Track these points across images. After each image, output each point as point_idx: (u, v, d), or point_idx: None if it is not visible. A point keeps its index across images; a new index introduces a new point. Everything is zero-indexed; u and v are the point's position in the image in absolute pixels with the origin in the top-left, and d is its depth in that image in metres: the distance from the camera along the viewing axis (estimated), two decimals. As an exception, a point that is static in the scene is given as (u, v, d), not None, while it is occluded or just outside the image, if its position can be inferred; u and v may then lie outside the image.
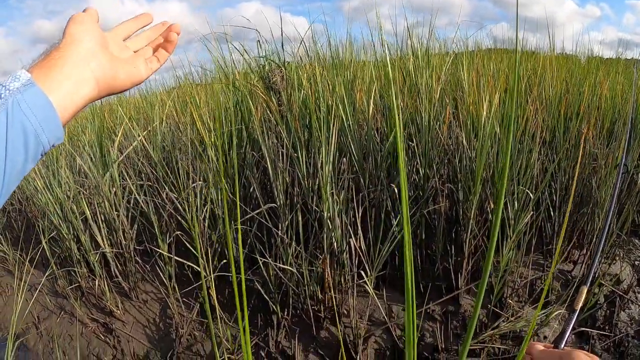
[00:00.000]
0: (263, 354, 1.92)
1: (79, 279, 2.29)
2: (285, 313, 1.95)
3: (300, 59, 2.60)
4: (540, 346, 0.58)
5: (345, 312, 1.93)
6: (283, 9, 2.36)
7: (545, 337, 1.84)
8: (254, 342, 1.92)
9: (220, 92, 2.47)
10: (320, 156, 1.78)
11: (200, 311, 2.06)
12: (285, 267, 1.82)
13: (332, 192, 1.79)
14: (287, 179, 1.90)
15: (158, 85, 3.64)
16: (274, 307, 1.92)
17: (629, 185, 2.23)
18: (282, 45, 2.40)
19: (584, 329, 1.90)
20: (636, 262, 2.25)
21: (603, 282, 2.07)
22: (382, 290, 1.99)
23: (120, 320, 2.16)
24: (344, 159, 1.93)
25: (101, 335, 2.13)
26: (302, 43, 2.53)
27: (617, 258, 2.21)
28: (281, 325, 1.94)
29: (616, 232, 2.13)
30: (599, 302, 2.01)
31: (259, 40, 2.46)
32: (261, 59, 2.41)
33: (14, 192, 3.79)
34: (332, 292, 1.85)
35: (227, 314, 2.00)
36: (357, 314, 1.89)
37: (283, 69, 2.38)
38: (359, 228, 1.83)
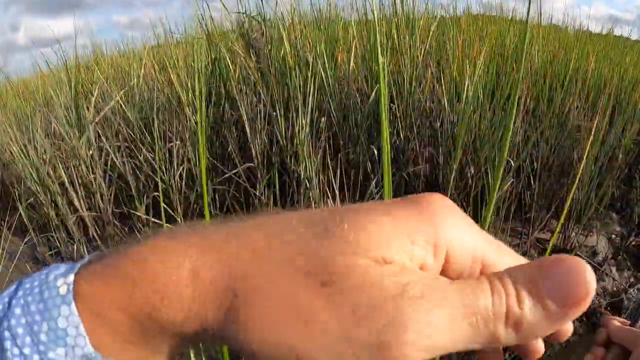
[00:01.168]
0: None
1: (59, 245, 2.33)
2: None
3: (282, 16, 2.60)
4: (616, 322, 0.56)
5: None
6: None
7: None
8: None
9: (198, 51, 2.48)
10: (299, 115, 1.80)
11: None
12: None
13: (310, 152, 1.83)
14: (265, 138, 1.93)
15: (137, 44, 3.61)
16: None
17: (610, 159, 2.26)
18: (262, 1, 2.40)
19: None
20: (612, 236, 2.31)
21: (580, 254, 2.13)
22: None
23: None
24: (323, 117, 1.96)
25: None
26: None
27: (594, 230, 2.26)
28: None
29: (595, 205, 2.18)
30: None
31: None
32: (242, 15, 2.41)
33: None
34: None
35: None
36: None
37: (263, 25, 2.38)
38: (336, 188, 1.87)
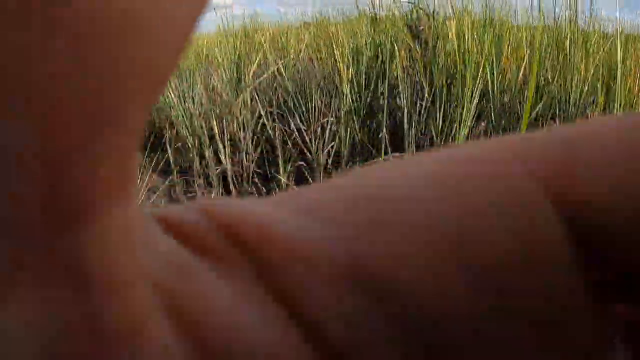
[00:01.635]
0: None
1: (197, 190, 2.51)
2: None
3: (452, 10, 2.56)
4: None
5: None
6: None
7: None
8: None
9: (359, 32, 2.52)
10: (458, 115, 1.77)
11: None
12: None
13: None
14: (420, 131, 1.93)
15: (293, 20, 3.76)
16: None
17: None
18: None
19: None
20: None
21: None
22: None
23: (223, 235, 2.35)
24: (483, 122, 1.91)
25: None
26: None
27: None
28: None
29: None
30: None
31: None
32: (410, 4, 2.41)
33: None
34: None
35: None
36: None
37: (432, 18, 2.37)
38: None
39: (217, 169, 2.34)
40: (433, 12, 2.35)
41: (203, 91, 2.43)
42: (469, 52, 2.02)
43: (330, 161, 2.03)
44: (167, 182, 2.59)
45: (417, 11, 2.37)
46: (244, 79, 2.32)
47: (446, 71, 2.05)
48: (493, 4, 2.59)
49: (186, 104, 2.44)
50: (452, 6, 2.42)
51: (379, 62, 2.27)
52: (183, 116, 2.45)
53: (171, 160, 2.49)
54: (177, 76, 2.67)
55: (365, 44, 2.38)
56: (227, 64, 2.46)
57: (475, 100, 1.80)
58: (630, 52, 2.61)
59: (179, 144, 2.53)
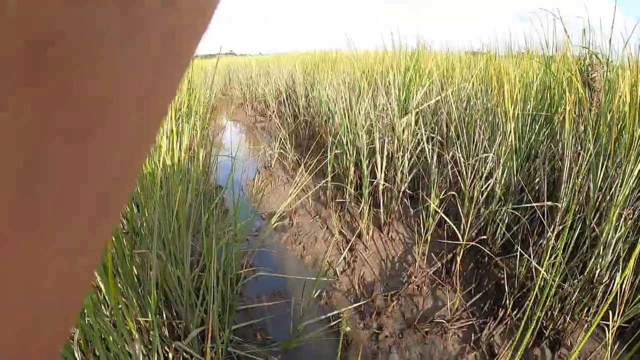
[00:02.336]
0: (473, 336, 2.04)
1: (346, 197, 2.74)
2: (515, 312, 2.00)
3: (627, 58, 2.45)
4: None
5: (569, 344, 1.89)
6: None
7: None
8: (469, 323, 2.05)
9: (529, 71, 2.53)
10: (618, 175, 1.74)
11: (439, 272, 2.28)
12: (540, 268, 1.87)
13: (621, 216, 1.75)
14: (577, 184, 1.91)
15: (461, 48, 3.85)
16: (507, 300, 2.01)
17: None
18: (610, 41, 2.31)
19: None
20: None
21: None
22: (617, 342, 1.88)
23: (364, 244, 2.52)
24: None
25: (341, 248, 2.55)
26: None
27: None
28: (504, 321, 2.00)
29: None
30: None
31: (584, 29, 2.41)
32: (584, 49, 2.37)
33: (308, 105, 4.61)
34: (569, 317, 1.84)
35: (462, 286, 2.17)
36: (581, 355, 1.85)
37: (605, 67, 2.30)
38: (632, 265, 1.74)
39: (370, 182, 2.53)
40: (608, 60, 2.29)
41: (370, 106, 2.64)
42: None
43: (482, 198, 2.11)
44: (319, 185, 2.86)
45: (590, 57, 2.33)
46: (410, 101, 2.47)
47: (614, 125, 2.00)
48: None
49: (352, 115, 2.67)
50: (628, 55, 2.33)
51: (545, 104, 2.28)
52: (347, 126, 2.69)
53: (328, 166, 2.75)
54: (348, 87, 2.92)
55: (534, 84, 2.39)
56: (397, 85, 2.64)
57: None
58: None
59: (339, 151, 2.77)
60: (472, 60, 3.35)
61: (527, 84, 2.38)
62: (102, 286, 1.22)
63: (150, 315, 1.28)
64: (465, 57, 3.50)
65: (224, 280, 1.86)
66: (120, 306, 1.22)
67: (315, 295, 2.15)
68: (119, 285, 1.33)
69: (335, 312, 2.04)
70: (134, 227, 1.50)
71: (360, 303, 2.10)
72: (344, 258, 2.48)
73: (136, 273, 1.42)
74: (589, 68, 2.36)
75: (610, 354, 1.73)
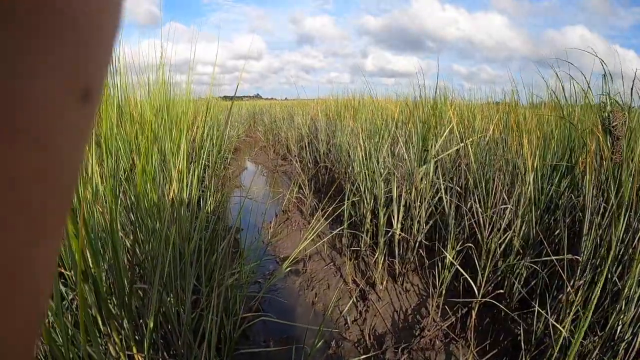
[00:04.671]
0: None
1: (361, 245, 2.73)
2: None
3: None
4: None
5: None
6: (611, 39, 2.24)
7: None
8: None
9: (549, 120, 2.53)
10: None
11: (453, 325, 2.22)
12: (558, 326, 1.80)
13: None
14: (599, 236, 1.87)
15: (481, 96, 3.89)
16: (524, 358, 1.94)
17: None
18: (632, 88, 2.30)
19: None
20: None
21: None
22: None
23: (377, 294, 2.48)
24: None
25: (355, 298, 2.51)
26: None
27: None
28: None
29: None
30: None
31: (604, 75, 2.41)
32: (604, 97, 2.36)
33: (329, 151, 4.67)
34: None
35: (476, 341, 2.10)
36: None
37: (626, 114, 2.28)
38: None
39: (386, 231, 2.52)
40: (630, 107, 2.27)
41: (388, 154, 2.66)
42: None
43: (500, 250, 2.07)
44: (335, 231, 2.86)
45: (611, 104, 2.32)
46: (429, 150, 2.49)
47: (637, 174, 1.97)
48: None
49: (371, 162, 2.69)
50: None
51: (566, 155, 2.27)
52: (365, 173, 2.71)
53: (345, 213, 2.75)
54: (367, 134, 2.96)
55: (554, 134, 2.39)
56: (415, 132, 2.66)
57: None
58: None
59: (357, 198, 2.78)
60: (493, 109, 3.37)
61: (546, 134, 2.38)
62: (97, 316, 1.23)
63: (145, 351, 1.28)
64: (486, 106, 3.53)
65: (228, 321, 1.85)
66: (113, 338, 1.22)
67: (323, 343, 2.12)
68: (115, 314, 1.34)
69: None
70: (136, 261, 1.51)
71: (370, 355, 2.05)
72: (356, 307, 2.44)
73: (136, 306, 1.42)
74: (610, 115, 2.35)
75: None
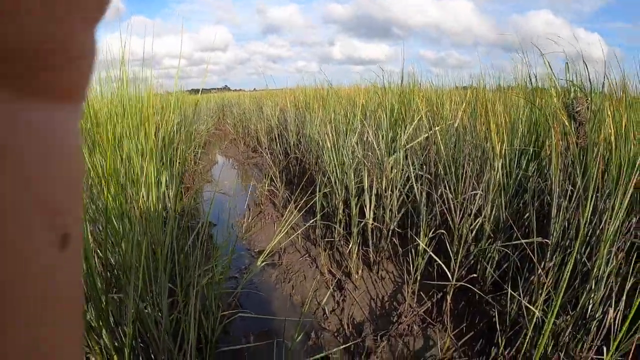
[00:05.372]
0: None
1: (334, 236, 2.71)
2: (507, 350, 1.94)
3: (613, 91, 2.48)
4: None
5: None
6: (575, 23, 2.27)
7: None
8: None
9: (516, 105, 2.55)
10: (607, 208, 1.73)
11: (429, 310, 2.23)
12: (530, 307, 1.83)
13: (611, 251, 1.72)
14: (567, 219, 1.89)
15: (449, 82, 3.90)
16: (499, 338, 1.95)
17: None
18: (605, 73, 2.33)
19: None
20: None
21: None
22: None
23: (354, 283, 2.48)
24: (635, 218, 1.83)
25: (331, 288, 2.50)
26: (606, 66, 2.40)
27: None
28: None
29: None
30: None
31: (567, 63, 2.44)
32: (567, 83, 2.39)
33: (299, 142, 4.63)
34: (564, 354, 1.79)
35: (453, 325, 2.12)
36: None
37: (589, 99, 2.32)
38: (624, 299, 1.71)
39: (359, 221, 2.51)
40: (591, 91, 2.30)
41: (358, 143, 2.64)
42: (625, 139, 1.97)
43: (472, 235, 2.08)
44: (309, 223, 2.83)
45: (574, 90, 2.35)
46: (398, 139, 2.48)
47: (601, 158, 2.00)
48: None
49: (340, 154, 2.66)
50: (609, 87, 2.35)
51: (532, 139, 2.29)
52: (335, 164, 2.68)
53: (317, 204, 2.73)
54: (332, 126, 2.93)
55: (521, 120, 2.40)
56: (384, 121, 2.64)
57: (629, 193, 1.74)
58: None
59: (328, 189, 2.76)
60: (461, 95, 3.38)
61: (514, 119, 2.39)
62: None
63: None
64: (455, 92, 3.54)
65: (207, 321, 1.81)
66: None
67: (304, 335, 2.10)
68: (94, 326, 1.29)
69: (324, 353, 1.98)
70: (109, 268, 1.46)
71: (350, 344, 2.04)
72: (333, 297, 2.43)
73: (112, 314, 1.37)
74: (573, 101, 2.38)
75: None
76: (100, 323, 1.28)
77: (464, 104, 2.73)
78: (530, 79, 2.59)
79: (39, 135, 0.16)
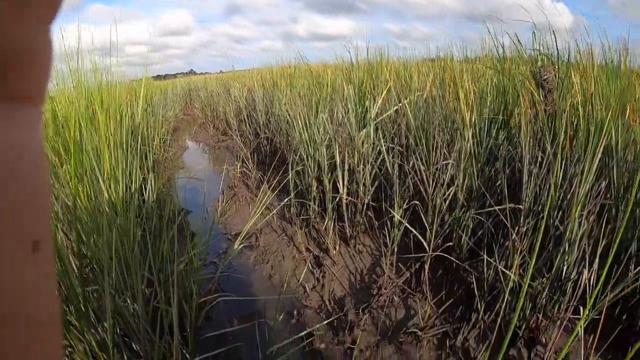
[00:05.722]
0: (448, 343, 2.00)
1: (310, 214, 2.69)
2: (487, 315, 1.99)
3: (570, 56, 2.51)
4: None
5: (544, 341, 1.88)
6: None
7: None
8: (444, 329, 2.01)
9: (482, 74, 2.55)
10: (577, 172, 1.75)
11: (409, 281, 2.25)
12: (507, 272, 1.86)
13: (582, 214, 1.75)
14: (538, 185, 1.92)
15: (415, 55, 3.88)
16: (478, 304, 1.99)
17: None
18: (555, 39, 2.35)
19: None
20: None
21: None
22: (590, 335, 1.88)
23: (332, 259, 2.47)
24: (604, 181, 1.86)
25: (310, 265, 2.49)
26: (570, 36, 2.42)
27: None
28: (477, 325, 1.99)
29: None
30: None
31: (534, 32, 2.46)
32: (534, 52, 2.41)
33: (269, 122, 4.57)
34: (541, 315, 1.84)
35: (432, 294, 2.14)
36: (555, 348, 1.83)
37: (557, 67, 2.34)
38: (596, 261, 1.75)
39: (333, 197, 2.49)
40: (558, 60, 2.32)
41: (328, 120, 2.61)
42: (592, 105, 1.99)
43: (445, 205, 2.09)
44: (283, 202, 2.81)
45: (541, 58, 2.36)
46: (368, 113, 2.45)
47: (569, 124, 2.03)
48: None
49: (311, 131, 2.63)
50: (577, 54, 2.37)
51: (501, 108, 2.30)
52: (307, 142, 2.65)
53: (291, 182, 2.70)
54: (305, 104, 2.89)
55: (489, 89, 2.41)
56: (353, 96, 2.61)
57: (598, 157, 1.77)
58: None
59: (300, 167, 2.73)
60: (429, 67, 3.37)
61: (482, 88, 2.39)
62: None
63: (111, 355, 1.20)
64: (423, 64, 3.52)
65: (189, 307, 1.78)
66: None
67: (286, 314, 2.10)
68: (74, 324, 1.25)
69: (308, 329, 1.98)
70: (85, 264, 1.41)
71: (332, 319, 2.05)
72: (313, 274, 2.42)
73: (92, 310, 1.33)
74: (541, 70, 2.39)
75: (585, 346, 1.75)
76: (81, 321, 1.24)
77: (432, 75, 2.72)
78: (497, 49, 2.60)
79: (3, 140, 0.16)
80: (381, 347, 1.90)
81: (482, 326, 1.89)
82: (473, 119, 2.12)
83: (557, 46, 2.37)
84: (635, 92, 2.34)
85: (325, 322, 2.04)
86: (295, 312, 2.14)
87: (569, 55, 2.46)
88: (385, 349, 1.89)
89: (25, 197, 0.17)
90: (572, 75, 2.25)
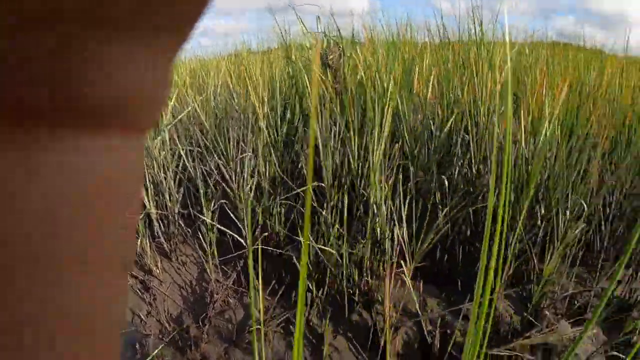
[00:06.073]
0: (292, 329, 2.03)
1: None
2: (320, 292, 2.04)
3: (358, 36, 2.66)
4: None
5: (380, 299, 2.00)
6: None
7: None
8: (285, 316, 2.03)
9: (276, 64, 2.57)
10: (372, 139, 1.84)
11: (237, 280, 2.19)
12: (325, 248, 1.91)
13: (381, 178, 1.86)
14: (337, 159, 1.98)
15: (211, 51, 3.80)
16: (309, 284, 2.02)
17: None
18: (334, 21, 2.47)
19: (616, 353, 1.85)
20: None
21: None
22: (419, 282, 2.05)
23: (157, 279, 2.31)
24: (396, 144, 1.99)
25: (138, 292, 2.30)
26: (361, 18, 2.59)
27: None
28: (314, 304, 2.03)
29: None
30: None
31: (318, 16, 2.55)
32: (320, 34, 2.49)
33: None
34: (370, 277, 1.93)
35: (263, 286, 2.12)
36: (391, 302, 1.96)
37: (341, 46, 2.45)
38: (404, 217, 1.89)
39: (141, 213, 2.31)
40: (342, 39, 2.43)
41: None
42: (378, 77, 2.12)
43: (252, 197, 2.06)
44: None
45: (327, 40, 2.45)
46: (162, 118, 2.31)
47: (357, 99, 2.13)
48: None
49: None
50: (362, 33, 2.52)
51: (294, 92, 2.33)
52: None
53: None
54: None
55: (280, 77, 2.43)
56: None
57: (388, 123, 1.88)
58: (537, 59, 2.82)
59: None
60: (228, 61, 3.31)
61: (271, 77, 2.40)
62: None
63: None
64: (222, 60, 3.46)
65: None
66: None
67: (129, 350, 1.98)
68: None
69: (151, 356, 1.85)
70: None
71: (175, 338, 1.94)
72: (144, 300, 2.24)
73: None
74: (327, 51, 2.48)
75: (419, 293, 1.92)
76: None
77: (223, 68, 2.67)
78: (284, 37, 2.64)
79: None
80: (231, 352, 1.88)
81: (319, 303, 1.95)
82: (265, 109, 2.11)
83: (338, 27, 2.48)
84: (422, 62, 2.56)
85: (166, 343, 1.93)
86: (137, 345, 1.99)
87: (352, 35, 2.60)
88: (235, 353, 1.88)
89: (132, 221, 0.15)
90: (358, 53, 2.37)
